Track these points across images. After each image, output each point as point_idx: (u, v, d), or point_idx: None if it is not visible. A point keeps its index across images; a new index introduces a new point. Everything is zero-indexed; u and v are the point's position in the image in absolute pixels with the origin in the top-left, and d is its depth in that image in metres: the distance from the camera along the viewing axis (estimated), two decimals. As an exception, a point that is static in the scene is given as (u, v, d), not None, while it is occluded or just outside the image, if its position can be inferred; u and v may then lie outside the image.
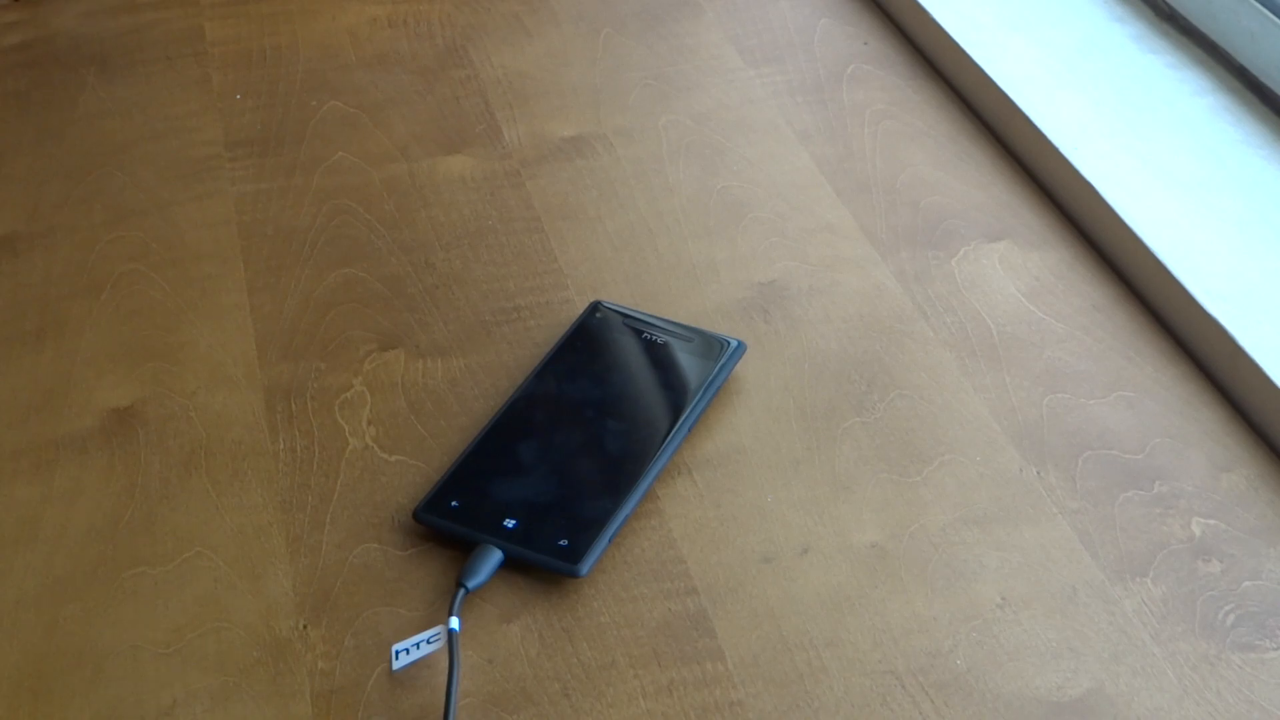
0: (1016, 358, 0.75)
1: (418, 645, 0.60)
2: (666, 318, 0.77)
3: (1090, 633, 0.62)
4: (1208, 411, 0.72)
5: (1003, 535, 0.66)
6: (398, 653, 0.60)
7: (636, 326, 0.76)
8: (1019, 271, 0.81)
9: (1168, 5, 0.98)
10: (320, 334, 0.78)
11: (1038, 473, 0.69)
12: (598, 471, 0.68)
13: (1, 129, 0.96)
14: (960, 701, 0.59)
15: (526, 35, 1.04)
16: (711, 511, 0.68)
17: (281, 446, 0.71)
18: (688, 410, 0.71)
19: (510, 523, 0.65)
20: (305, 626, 0.63)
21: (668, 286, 0.81)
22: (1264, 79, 0.90)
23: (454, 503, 0.67)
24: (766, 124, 0.94)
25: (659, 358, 0.74)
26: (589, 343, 0.75)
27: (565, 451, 0.69)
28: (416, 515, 0.66)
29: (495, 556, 0.64)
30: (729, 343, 0.75)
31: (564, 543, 0.64)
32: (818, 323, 0.78)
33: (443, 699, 0.60)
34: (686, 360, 0.74)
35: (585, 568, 0.64)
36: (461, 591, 0.62)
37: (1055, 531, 0.66)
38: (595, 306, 0.77)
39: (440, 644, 0.60)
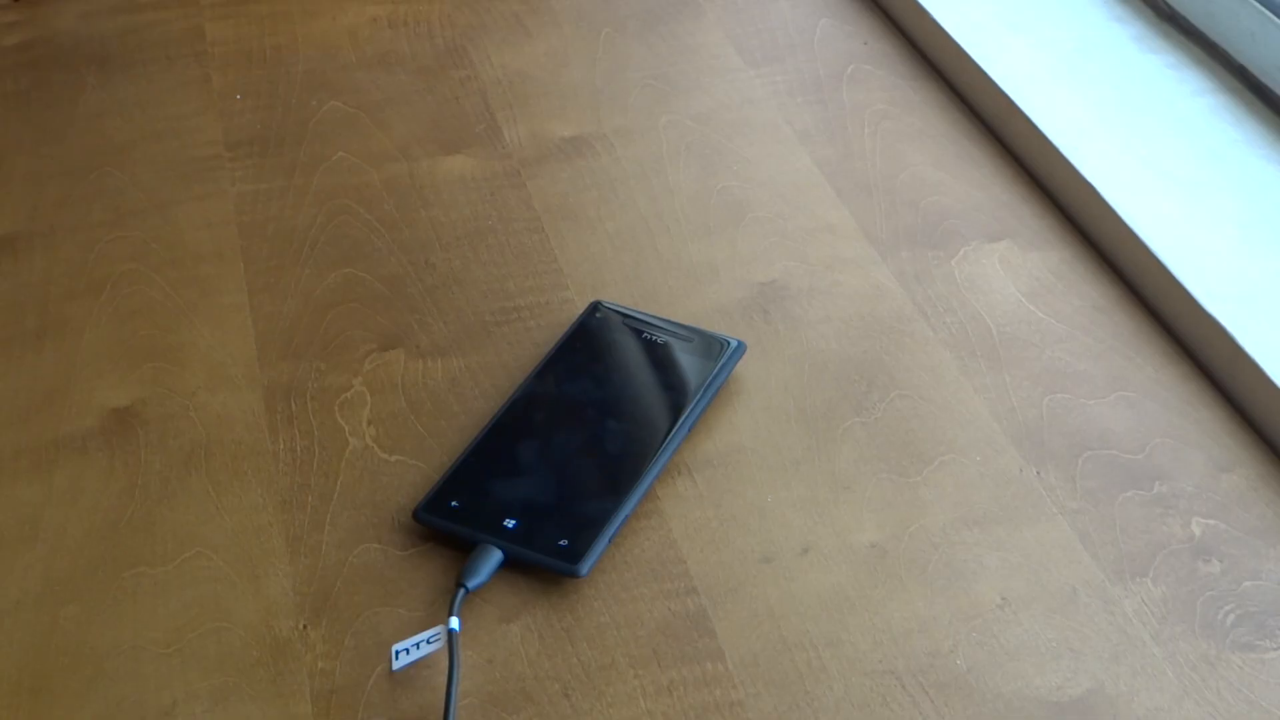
0: (1016, 358, 0.75)
1: (418, 645, 0.60)
2: (666, 318, 0.77)
3: (1090, 633, 0.62)
4: (1208, 412, 0.72)
5: (1003, 535, 0.66)
6: (398, 653, 0.60)
7: (636, 326, 0.76)
8: (1019, 271, 0.81)
9: (1168, 5, 0.98)
10: (320, 334, 0.78)
11: (1038, 473, 0.69)
12: (598, 471, 0.68)
13: (1, 129, 0.96)
14: (960, 701, 0.59)
15: (526, 35, 1.04)
16: (711, 511, 0.68)
17: (281, 446, 0.71)
18: (688, 410, 0.71)
19: (510, 523, 0.65)
20: (305, 626, 0.63)
21: (668, 286, 0.81)
22: (1264, 79, 0.90)
23: (454, 503, 0.67)
24: (766, 124, 0.94)
25: (659, 358, 0.74)
26: (589, 343, 0.75)
27: (565, 451, 0.69)
28: (416, 515, 0.66)
29: (495, 556, 0.64)
30: (729, 343, 0.75)
31: (564, 543, 0.64)
32: (818, 323, 0.78)
33: (443, 699, 0.60)
34: (686, 360, 0.74)
35: (585, 568, 0.64)
36: (461, 591, 0.62)
37: (1055, 531, 0.66)
38: (595, 306, 0.77)
39: (440, 644, 0.60)
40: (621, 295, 0.80)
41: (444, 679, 0.60)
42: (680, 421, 0.70)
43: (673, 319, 0.77)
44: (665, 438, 0.69)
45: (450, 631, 0.60)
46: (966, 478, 0.69)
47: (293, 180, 0.90)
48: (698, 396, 0.72)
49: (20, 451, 0.72)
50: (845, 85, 0.97)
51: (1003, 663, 0.61)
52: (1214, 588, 0.64)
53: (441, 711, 0.59)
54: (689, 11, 1.06)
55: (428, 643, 0.60)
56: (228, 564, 0.66)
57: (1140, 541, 0.66)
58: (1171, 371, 0.74)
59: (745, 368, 0.75)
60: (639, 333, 0.76)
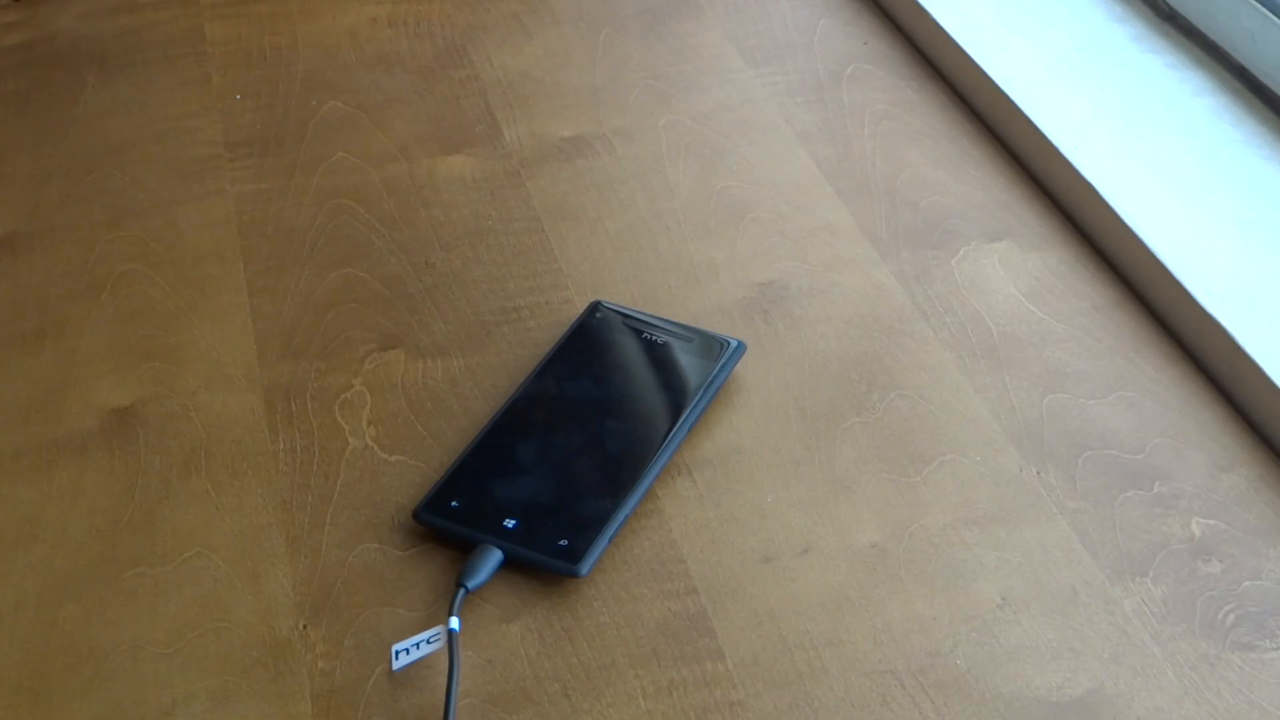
0: (1016, 358, 0.75)
1: (418, 645, 0.60)
2: (666, 318, 0.77)
3: (1090, 633, 0.62)
4: (1208, 411, 0.72)
5: (1003, 535, 0.66)
6: (398, 653, 0.60)
7: (636, 326, 0.76)
8: (1019, 271, 0.81)
9: (1168, 5, 0.98)
10: (320, 334, 0.78)
11: (1038, 473, 0.69)
12: (598, 471, 0.68)
13: (1, 129, 0.96)
14: (960, 701, 0.59)
15: (526, 35, 1.04)
16: (711, 511, 0.68)
17: (281, 446, 0.71)
18: (688, 410, 0.71)
19: (510, 523, 0.65)
20: (305, 626, 0.63)
21: (668, 286, 0.81)
22: (1264, 79, 0.90)
23: (454, 503, 0.67)
24: (766, 124, 0.94)
25: (659, 358, 0.74)
26: (589, 343, 0.75)
27: (565, 451, 0.69)
28: (416, 515, 0.66)
29: (495, 556, 0.64)
30: (729, 343, 0.75)
31: (564, 543, 0.64)
32: (818, 323, 0.78)
33: (443, 699, 0.60)
34: (686, 360, 0.74)
35: (585, 568, 0.64)
36: (461, 591, 0.62)
37: (1055, 531, 0.66)
38: (595, 306, 0.77)
39: (440, 644, 0.60)
40: (621, 295, 0.80)
41: (444, 679, 0.61)
42: (680, 421, 0.70)
43: (673, 319, 0.77)
44: (665, 438, 0.69)
45: (450, 631, 0.60)
46: (966, 478, 0.69)
47: (293, 180, 0.90)
48: (698, 396, 0.72)
49: (20, 451, 0.72)
50: (845, 85, 0.97)
51: (1003, 663, 0.61)
52: (1214, 588, 0.64)
53: (441, 711, 0.59)
54: (689, 11, 1.06)
55: (428, 643, 0.60)
56: (228, 564, 0.66)
57: (1140, 541, 0.66)
58: (1171, 371, 0.74)
59: (745, 368, 0.75)
60: (639, 333, 0.76)
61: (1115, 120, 0.89)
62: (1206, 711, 0.59)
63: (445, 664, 0.61)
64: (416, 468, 0.70)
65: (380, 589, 0.64)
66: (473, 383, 0.75)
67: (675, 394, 0.72)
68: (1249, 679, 0.60)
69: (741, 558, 0.65)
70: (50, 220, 0.87)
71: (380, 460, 0.71)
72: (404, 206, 0.87)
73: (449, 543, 0.66)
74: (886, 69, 0.99)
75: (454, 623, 0.61)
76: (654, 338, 0.75)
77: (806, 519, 0.67)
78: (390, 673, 0.61)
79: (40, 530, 0.68)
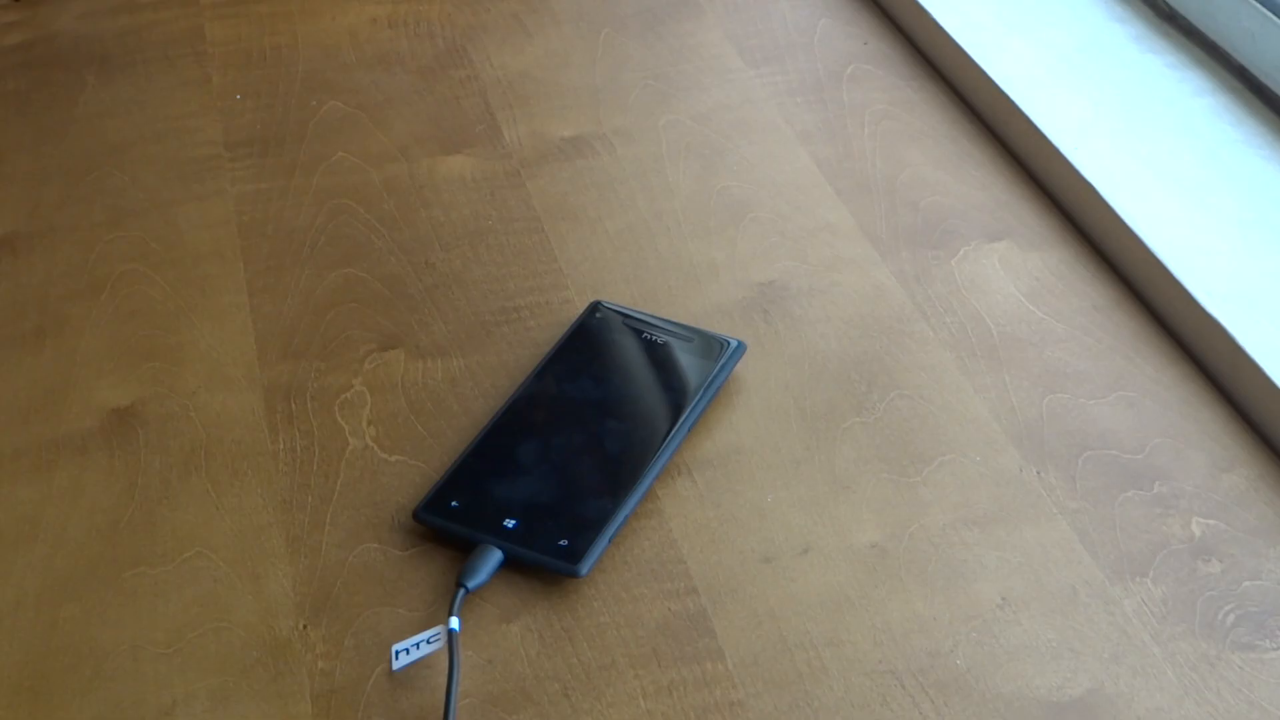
0: (1016, 358, 0.75)
1: (418, 645, 0.60)
2: (666, 318, 0.77)
3: (1090, 633, 0.62)
4: (1208, 411, 0.72)
5: (1003, 535, 0.66)
6: (398, 653, 0.60)
7: (636, 326, 0.76)
8: (1019, 271, 0.81)
9: (1168, 5, 0.98)
10: (320, 334, 0.78)
11: (1038, 473, 0.69)
12: (598, 471, 0.68)
13: (1, 129, 0.96)
14: (960, 701, 0.59)
15: (526, 35, 1.04)
16: (711, 511, 0.68)
17: (281, 446, 0.71)
18: (688, 410, 0.71)
19: (510, 523, 0.65)
20: (305, 626, 0.63)
21: (668, 286, 0.81)
22: (1264, 79, 0.90)
23: (454, 503, 0.67)
24: (766, 124, 0.94)
25: (659, 358, 0.74)
26: (589, 343, 0.75)
27: (565, 451, 0.69)
28: (416, 515, 0.66)
29: (495, 556, 0.64)
30: (729, 343, 0.75)
31: (564, 543, 0.64)
32: (818, 323, 0.78)
33: (443, 699, 0.60)
34: (686, 360, 0.74)
35: (585, 568, 0.64)
36: (461, 591, 0.62)
37: (1055, 531, 0.66)
38: (595, 306, 0.77)
39: (440, 644, 0.60)
40: (621, 295, 0.80)
41: (444, 679, 0.61)
42: (680, 421, 0.70)
43: (673, 319, 0.77)
44: (665, 438, 0.69)
45: (450, 631, 0.60)
46: (966, 478, 0.69)
47: (293, 180, 0.90)
48: (698, 396, 0.72)
49: (20, 451, 0.72)
50: (845, 85, 0.97)
51: (1003, 663, 0.61)
52: (1214, 588, 0.64)
53: (441, 711, 0.59)
54: (689, 11, 1.06)
55: (428, 643, 0.60)
56: (228, 564, 0.66)
57: (1140, 541, 0.66)
58: (1171, 371, 0.74)
59: (745, 368, 0.75)
60: (639, 333, 0.76)
61: (1115, 120, 0.89)
62: (1206, 711, 0.59)
63: (445, 664, 0.61)
64: (416, 468, 0.70)
65: (380, 589, 0.64)
66: (473, 383, 0.75)
67: (675, 394, 0.72)
68: (1249, 679, 0.60)
69: (741, 558, 0.65)
70: (50, 220, 0.87)
71: (380, 460, 0.71)
72: (404, 206, 0.87)
73: (449, 543, 0.66)
74: (886, 69, 0.99)
75: (454, 623, 0.61)
76: (654, 338, 0.75)
77: (806, 519, 0.67)
78: (390, 673, 0.61)
79: (40, 530, 0.68)
